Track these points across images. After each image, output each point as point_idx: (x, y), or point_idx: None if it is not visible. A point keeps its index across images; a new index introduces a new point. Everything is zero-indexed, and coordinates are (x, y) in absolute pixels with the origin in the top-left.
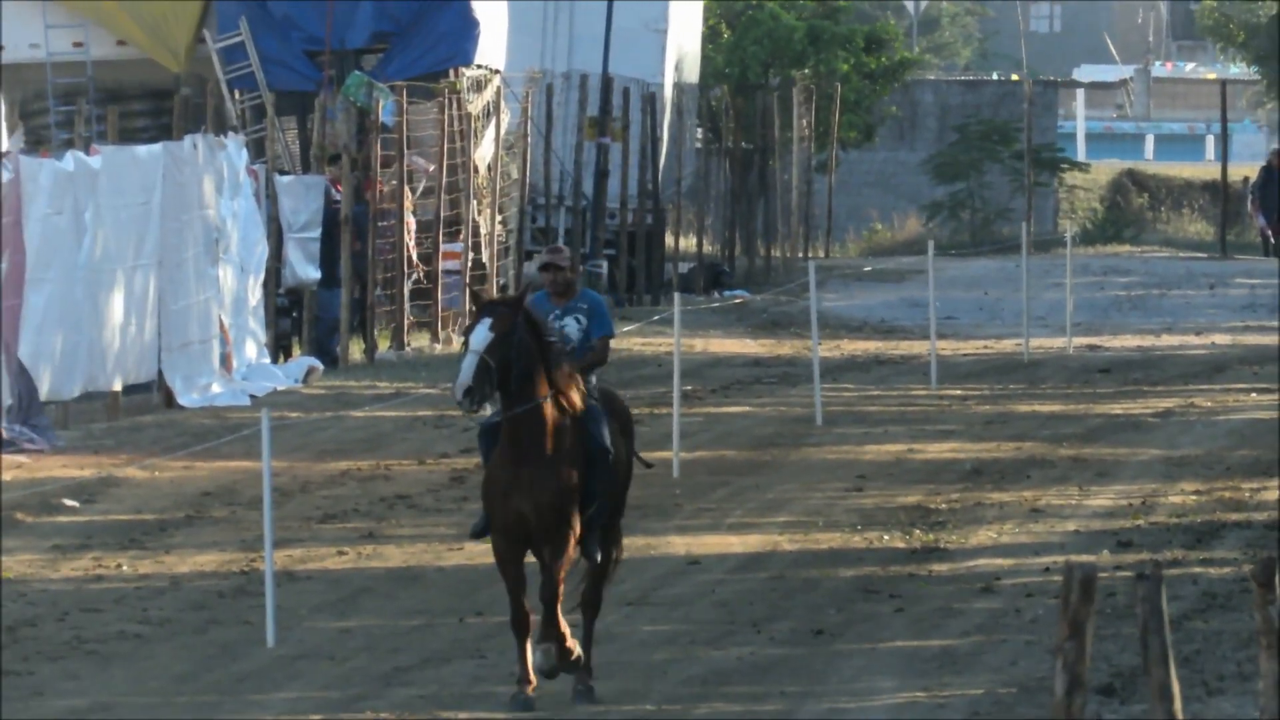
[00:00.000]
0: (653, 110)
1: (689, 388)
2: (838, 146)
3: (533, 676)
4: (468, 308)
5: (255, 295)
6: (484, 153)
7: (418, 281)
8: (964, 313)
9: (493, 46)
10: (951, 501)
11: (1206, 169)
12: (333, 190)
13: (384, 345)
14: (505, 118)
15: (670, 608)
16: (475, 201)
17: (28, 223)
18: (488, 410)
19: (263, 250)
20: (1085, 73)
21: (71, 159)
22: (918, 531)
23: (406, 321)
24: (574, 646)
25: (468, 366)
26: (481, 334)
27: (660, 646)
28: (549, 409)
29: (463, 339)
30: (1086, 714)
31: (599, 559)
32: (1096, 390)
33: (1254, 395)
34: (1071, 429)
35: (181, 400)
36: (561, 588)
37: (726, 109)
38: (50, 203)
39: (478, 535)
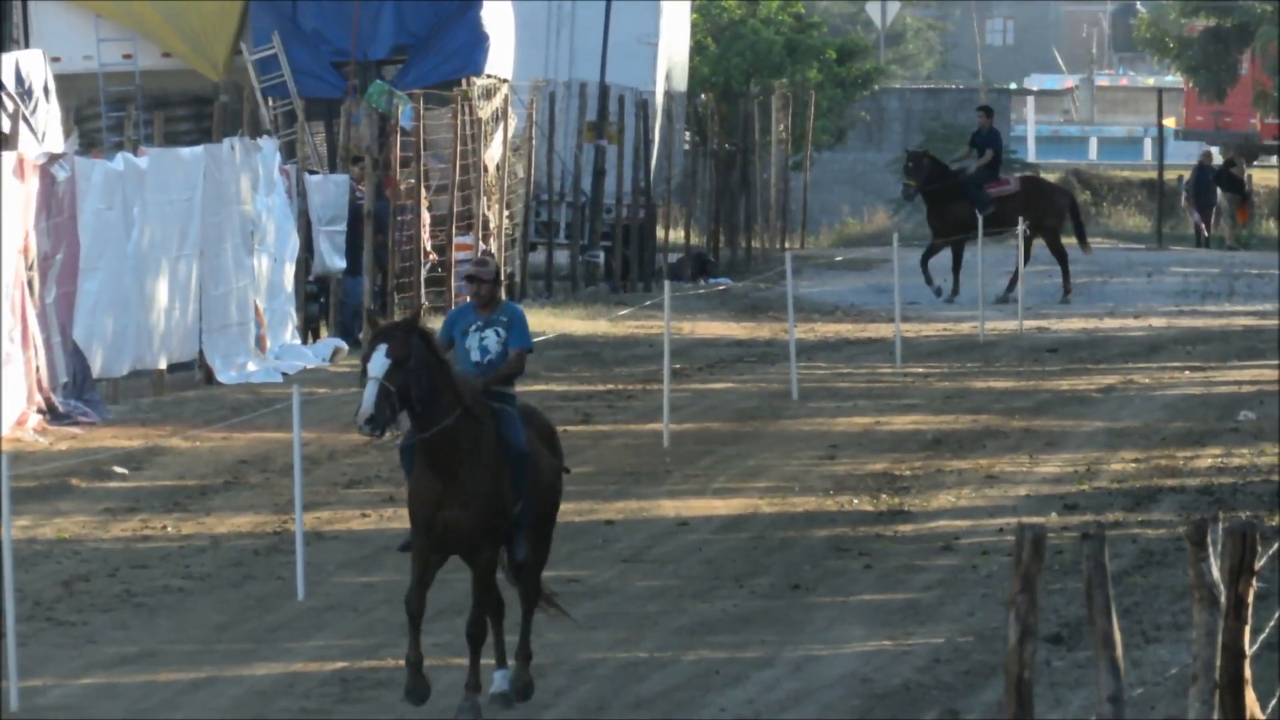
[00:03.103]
0: (645, 115)
1: (678, 366)
2: (812, 148)
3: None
4: (366, 334)
5: (287, 282)
6: (493, 154)
7: (433, 270)
8: (926, 298)
9: (501, 58)
10: (914, 469)
11: (1144, 169)
12: (356, 188)
13: None
14: (512, 122)
15: (661, 565)
16: (485, 198)
17: (81, 217)
18: (389, 435)
19: (294, 242)
20: (1035, 81)
21: (121, 160)
22: (884, 496)
23: (422, 306)
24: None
25: (369, 395)
26: (379, 361)
27: (652, 600)
28: (460, 425)
29: (360, 366)
30: (1037, 660)
31: (523, 556)
32: (1045, 368)
33: (1187, 373)
34: (1023, 403)
35: (220, 377)
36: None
37: (712, 114)
38: (102, 199)
39: (405, 549)
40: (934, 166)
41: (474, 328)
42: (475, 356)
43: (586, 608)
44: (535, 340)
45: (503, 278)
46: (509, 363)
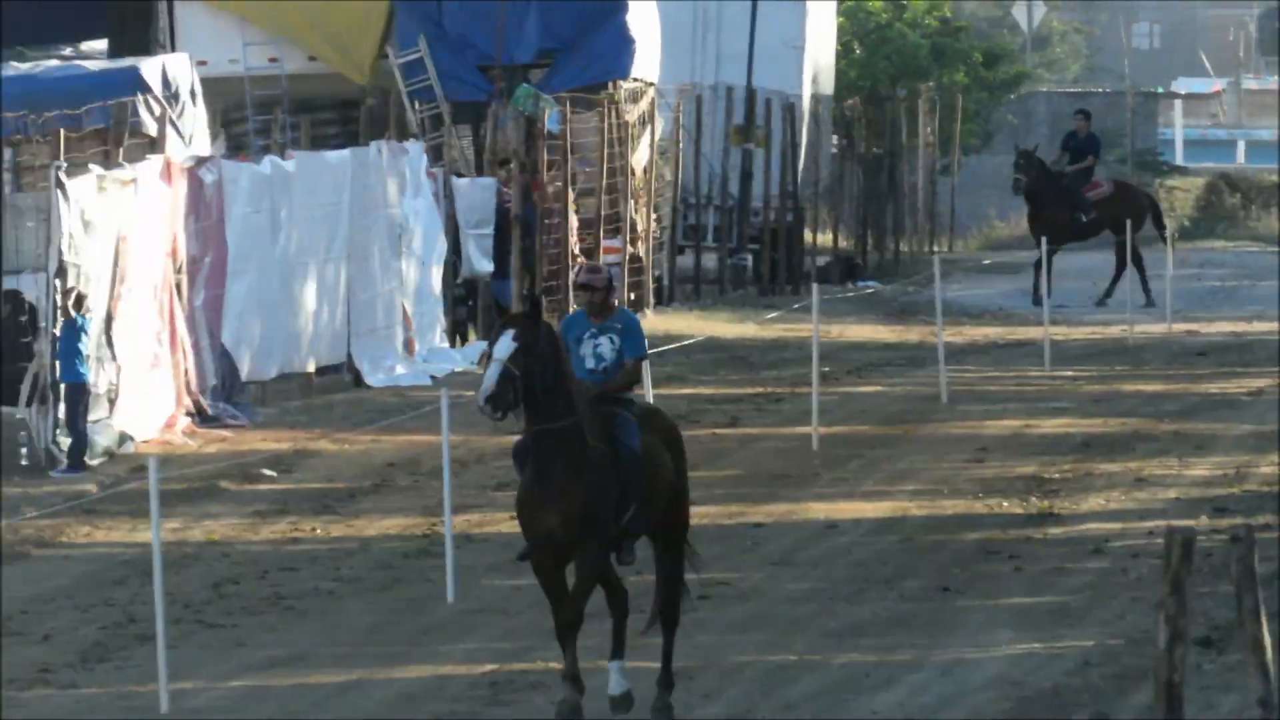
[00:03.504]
0: (792, 119)
1: (826, 369)
2: (959, 151)
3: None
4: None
5: (435, 286)
6: (640, 157)
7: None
8: (1074, 301)
9: (647, 61)
10: (1064, 471)
11: None
12: (503, 191)
13: None
14: (659, 125)
15: (810, 567)
16: (632, 201)
17: (229, 220)
18: (511, 419)
19: (441, 245)
20: (1182, 84)
21: (268, 163)
22: (1034, 498)
23: (571, 310)
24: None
25: (491, 374)
26: (505, 344)
27: (801, 602)
28: (573, 428)
29: (486, 352)
30: (1187, 664)
31: (632, 560)
32: (1194, 371)
33: None
34: (1172, 406)
35: (369, 380)
36: (583, 606)
37: (859, 118)
38: (249, 203)
39: (523, 559)
40: (1042, 166)
41: (588, 335)
42: (590, 364)
43: (736, 611)
44: (683, 344)
45: (614, 285)
46: (625, 371)
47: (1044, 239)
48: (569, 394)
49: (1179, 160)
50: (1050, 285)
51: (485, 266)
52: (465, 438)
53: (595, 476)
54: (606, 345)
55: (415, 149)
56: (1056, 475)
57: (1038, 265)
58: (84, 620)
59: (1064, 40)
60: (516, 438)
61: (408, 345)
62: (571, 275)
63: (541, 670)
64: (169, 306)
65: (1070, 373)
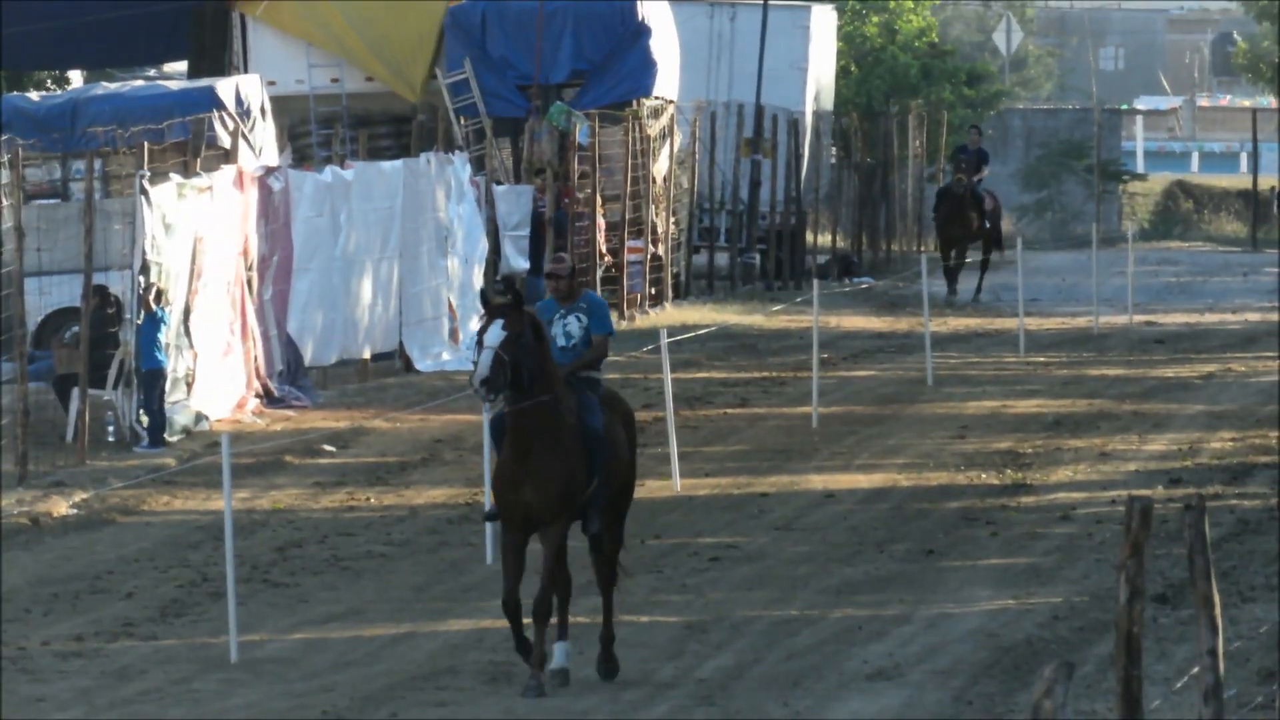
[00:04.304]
0: (796, 132)
1: (825, 355)
2: (944, 161)
3: (541, 663)
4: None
5: (476, 281)
6: (660, 167)
7: (607, 270)
8: (1046, 295)
9: (667, 81)
10: (1036, 447)
11: (1241, 180)
12: (538, 197)
13: None
14: (677, 138)
15: (810, 532)
16: (653, 206)
17: (294, 223)
18: (500, 400)
19: (483, 245)
20: (1143, 102)
21: (329, 172)
22: (1009, 471)
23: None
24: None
25: (485, 361)
26: (495, 332)
27: (802, 563)
28: (549, 405)
29: (476, 339)
30: (1145, 618)
31: (599, 534)
32: (1152, 357)
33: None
34: (1132, 388)
35: (418, 365)
36: (552, 590)
37: (855, 131)
38: (312, 207)
39: (490, 519)
40: (971, 171)
41: (558, 316)
42: (561, 342)
43: (743, 571)
44: (698, 333)
45: (578, 272)
46: (594, 347)
47: (953, 239)
48: (550, 375)
49: (1140, 169)
50: (955, 283)
51: (522, 264)
52: None
53: (570, 452)
54: (575, 324)
55: (460, 159)
56: (1029, 450)
57: (949, 266)
58: (163, 579)
59: (1038, 62)
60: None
61: (453, 334)
62: (599, 271)
63: (570, 623)
64: (240, 300)
65: (1042, 359)
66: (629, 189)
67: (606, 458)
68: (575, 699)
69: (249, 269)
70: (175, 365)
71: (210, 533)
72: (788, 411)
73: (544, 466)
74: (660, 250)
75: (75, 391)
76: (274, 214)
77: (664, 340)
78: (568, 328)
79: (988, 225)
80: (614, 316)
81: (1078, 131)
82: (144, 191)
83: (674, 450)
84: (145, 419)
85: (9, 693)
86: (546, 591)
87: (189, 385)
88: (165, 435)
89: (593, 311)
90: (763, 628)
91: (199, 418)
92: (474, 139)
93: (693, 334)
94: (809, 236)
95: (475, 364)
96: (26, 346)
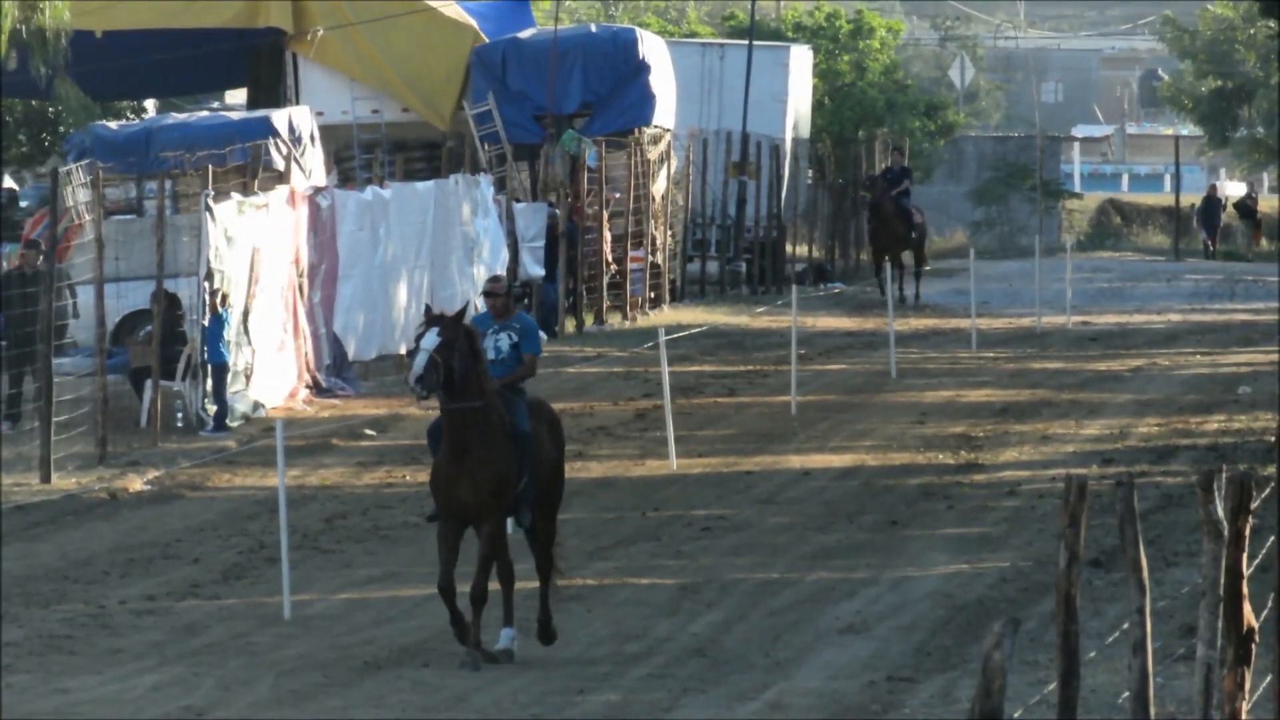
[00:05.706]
0: (777, 157)
1: (802, 351)
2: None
3: (471, 639)
4: (422, 321)
5: None
6: (659, 186)
7: (612, 277)
8: (995, 298)
9: (665, 112)
10: (987, 431)
11: (1165, 198)
12: (553, 213)
13: (589, 321)
14: (674, 162)
15: (789, 505)
16: (653, 221)
17: (340, 236)
18: (431, 398)
19: (504, 255)
20: (1080, 130)
21: (370, 192)
22: (963, 452)
23: (604, 305)
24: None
25: (419, 362)
26: (432, 338)
27: (782, 533)
28: (481, 409)
29: (414, 342)
30: (1081, 580)
31: (533, 526)
32: (1088, 353)
33: (1198, 357)
34: (1070, 380)
35: None
36: (488, 576)
37: (828, 156)
38: (355, 222)
39: (432, 520)
40: (886, 188)
41: (490, 332)
42: (491, 355)
43: (731, 539)
44: (691, 332)
45: (513, 291)
46: (524, 366)
47: (883, 249)
48: (480, 381)
49: (1077, 189)
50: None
51: (538, 272)
52: None
53: (503, 450)
54: (505, 340)
55: (485, 180)
56: (981, 434)
57: (882, 271)
58: (225, 547)
59: (988, 95)
60: (434, 418)
61: None
62: (605, 278)
63: (580, 585)
64: (292, 303)
65: (991, 354)
66: (631, 206)
67: (533, 457)
68: (585, 650)
69: (300, 276)
70: (236, 360)
71: (266, 506)
72: (770, 400)
73: (478, 466)
74: (659, 259)
75: (148, 383)
76: (322, 228)
77: (662, 338)
78: (499, 343)
79: (914, 235)
80: (618, 317)
81: (1023, 156)
82: (208, 208)
83: (671, 434)
84: (212, 407)
85: (90, 645)
86: (482, 578)
87: (248, 377)
88: (227, 421)
89: (524, 332)
90: (748, 589)
91: (256, 406)
92: (496, 162)
93: (687, 332)
94: (788, 247)
95: (410, 364)
96: (106, 344)
